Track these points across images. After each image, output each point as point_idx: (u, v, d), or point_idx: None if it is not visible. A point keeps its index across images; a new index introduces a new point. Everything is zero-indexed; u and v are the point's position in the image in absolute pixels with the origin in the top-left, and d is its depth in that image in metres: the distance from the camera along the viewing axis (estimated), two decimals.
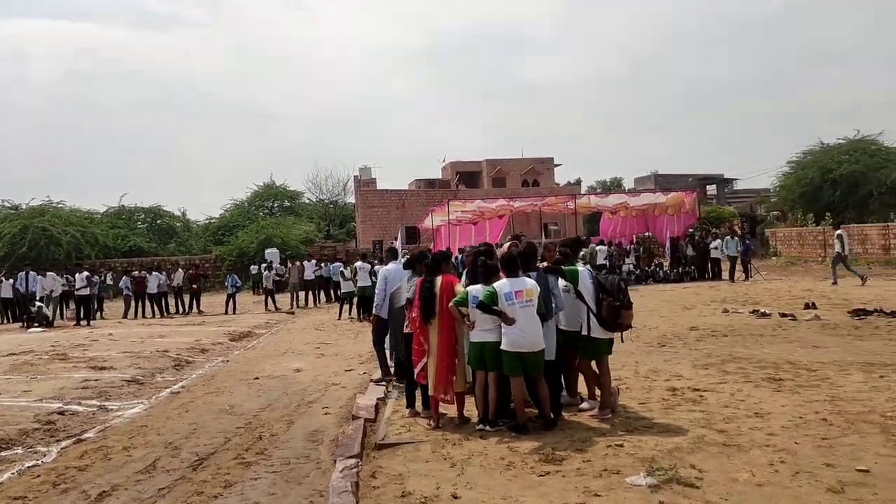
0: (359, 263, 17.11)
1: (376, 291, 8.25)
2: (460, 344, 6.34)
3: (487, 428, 5.97)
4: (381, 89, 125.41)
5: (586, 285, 6.27)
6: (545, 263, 6.72)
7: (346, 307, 18.29)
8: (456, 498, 4.62)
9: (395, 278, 7.60)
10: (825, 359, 8.54)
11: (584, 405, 6.57)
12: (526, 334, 5.86)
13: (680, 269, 24.71)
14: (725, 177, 64.29)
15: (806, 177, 35.67)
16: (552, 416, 6.09)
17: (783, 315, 12.64)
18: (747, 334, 11.05)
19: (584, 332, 6.28)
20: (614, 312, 6.11)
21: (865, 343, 9.65)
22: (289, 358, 11.68)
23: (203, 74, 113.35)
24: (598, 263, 20.42)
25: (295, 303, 22.44)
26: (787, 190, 37.73)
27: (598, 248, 23.39)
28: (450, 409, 6.54)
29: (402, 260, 7.89)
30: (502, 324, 5.89)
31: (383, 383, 8.31)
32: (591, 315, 6.21)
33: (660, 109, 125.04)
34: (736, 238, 23.63)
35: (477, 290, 6.08)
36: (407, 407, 6.89)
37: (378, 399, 7.53)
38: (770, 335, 10.85)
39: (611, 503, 4.41)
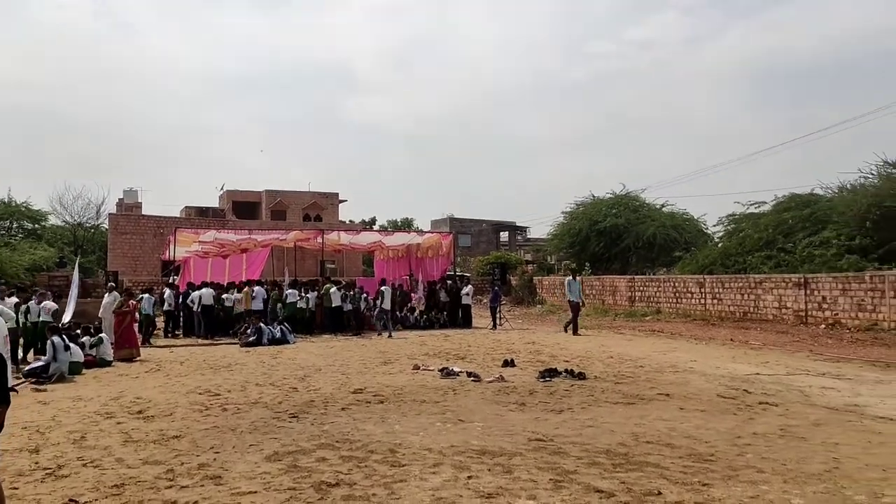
0: None
1: None
2: None
3: None
4: (193, 113, 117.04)
5: None
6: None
7: None
8: None
9: None
10: (444, 442, 6.59)
11: None
12: None
13: (433, 314, 23.26)
14: (518, 224, 66.16)
15: (575, 227, 36.40)
16: None
17: (469, 375, 10.93)
18: (410, 400, 9.08)
19: None
20: None
21: (519, 416, 7.94)
22: None
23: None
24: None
25: None
26: (559, 239, 38.35)
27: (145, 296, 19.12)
28: None
29: None
30: None
31: None
32: None
33: (462, 157, 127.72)
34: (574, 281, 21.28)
35: None
36: None
37: None
38: (434, 401, 8.96)
39: None
